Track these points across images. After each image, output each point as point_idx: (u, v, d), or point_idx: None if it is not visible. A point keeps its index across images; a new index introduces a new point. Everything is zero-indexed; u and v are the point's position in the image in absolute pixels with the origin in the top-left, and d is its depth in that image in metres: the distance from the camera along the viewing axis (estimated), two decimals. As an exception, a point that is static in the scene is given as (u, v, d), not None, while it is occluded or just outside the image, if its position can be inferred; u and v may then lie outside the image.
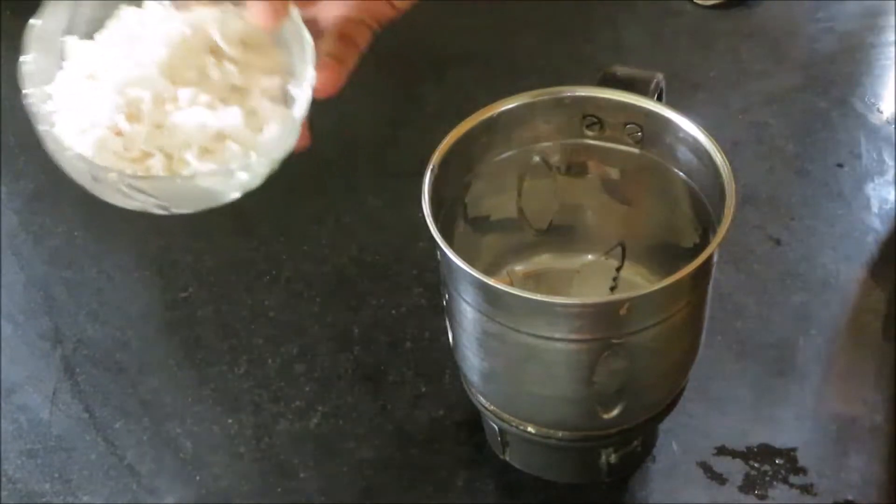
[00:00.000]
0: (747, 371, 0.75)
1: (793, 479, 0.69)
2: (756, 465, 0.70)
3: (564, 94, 0.66)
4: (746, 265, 0.81)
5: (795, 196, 0.87)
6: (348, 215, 0.87)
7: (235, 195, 0.53)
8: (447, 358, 0.73)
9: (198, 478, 0.72)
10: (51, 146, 0.53)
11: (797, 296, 0.79)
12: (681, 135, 0.64)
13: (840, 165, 0.89)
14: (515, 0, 1.04)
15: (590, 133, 0.67)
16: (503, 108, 0.65)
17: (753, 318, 0.78)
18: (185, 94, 0.53)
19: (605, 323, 0.58)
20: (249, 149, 0.53)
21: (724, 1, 1.02)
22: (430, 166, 0.62)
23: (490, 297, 0.58)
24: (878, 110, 0.92)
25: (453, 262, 0.58)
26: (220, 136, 0.53)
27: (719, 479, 0.70)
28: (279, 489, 0.71)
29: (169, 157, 0.52)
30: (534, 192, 0.70)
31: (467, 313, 0.61)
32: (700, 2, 1.03)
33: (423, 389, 0.75)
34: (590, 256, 0.73)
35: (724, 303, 0.77)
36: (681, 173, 0.65)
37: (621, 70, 0.67)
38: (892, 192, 0.85)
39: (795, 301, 0.79)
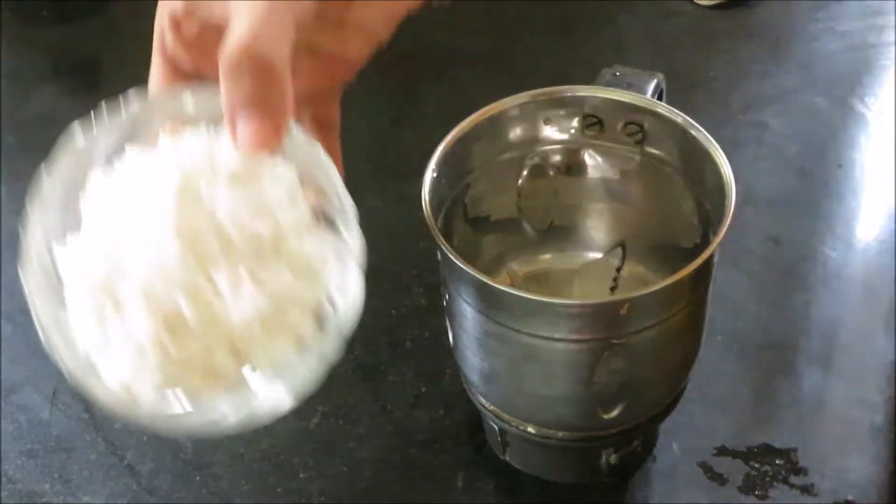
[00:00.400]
0: (747, 371, 0.75)
1: (793, 479, 0.69)
2: (756, 465, 0.70)
3: (564, 94, 0.66)
4: (746, 265, 0.81)
5: (795, 196, 0.87)
6: (348, 215, 0.87)
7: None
8: (447, 358, 0.73)
9: (198, 478, 0.72)
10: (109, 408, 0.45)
11: (797, 295, 0.79)
12: (681, 135, 0.64)
13: (839, 166, 0.89)
14: (515, 0, 1.04)
15: (590, 133, 0.67)
16: (503, 108, 0.65)
17: (753, 318, 0.78)
18: (222, 278, 0.44)
19: (605, 323, 0.58)
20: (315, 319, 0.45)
21: (724, 1, 1.02)
22: (430, 166, 0.62)
23: (490, 298, 0.58)
24: (879, 110, 0.92)
25: (453, 262, 0.58)
26: (278, 310, 0.45)
27: (719, 479, 0.70)
28: (279, 489, 0.71)
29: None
30: (534, 192, 0.69)
31: (467, 313, 0.61)
32: (700, 2, 1.03)
33: (423, 389, 0.75)
34: (590, 256, 0.73)
35: (724, 303, 0.77)
36: (681, 173, 0.65)
37: (621, 70, 0.67)
38: (892, 192, 0.85)
39: (795, 301, 0.79)
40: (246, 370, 0.45)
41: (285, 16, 0.44)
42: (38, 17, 1.09)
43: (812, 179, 0.88)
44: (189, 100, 0.47)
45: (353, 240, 0.46)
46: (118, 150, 0.48)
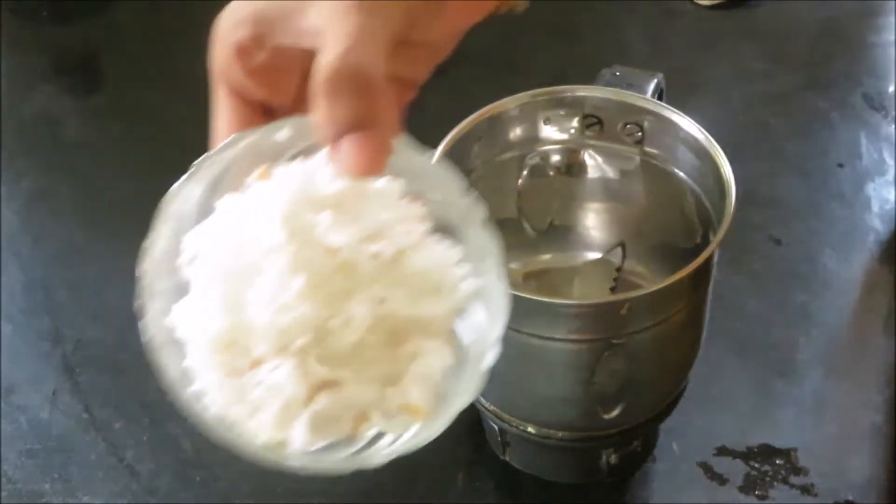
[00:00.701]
0: (747, 371, 0.75)
1: (793, 479, 0.69)
2: (756, 465, 0.70)
3: (564, 94, 0.66)
4: (746, 265, 0.81)
5: (795, 196, 0.87)
6: (348, 215, 0.87)
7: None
8: (447, 358, 0.73)
9: (198, 478, 0.72)
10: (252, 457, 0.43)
11: (797, 296, 0.79)
12: (681, 135, 0.64)
13: (840, 165, 0.89)
14: (515, 0, 1.04)
15: (590, 133, 0.67)
16: (503, 108, 0.65)
17: (753, 318, 0.78)
18: (360, 311, 0.42)
19: (605, 323, 0.58)
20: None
21: (724, 1, 1.02)
22: (430, 166, 0.62)
23: (490, 298, 0.58)
24: (879, 110, 0.92)
25: (453, 262, 0.58)
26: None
27: (719, 479, 0.70)
28: (279, 489, 0.71)
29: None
30: (534, 192, 0.69)
31: (467, 313, 0.61)
32: (700, 2, 1.03)
33: (423, 389, 0.75)
34: (590, 256, 0.73)
35: (724, 303, 0.77)
36: (681, 173, 0.65)
37: (621, 70, 0.67)
38: (892, 192, 0.85)
39: (795, 301, 0.79)
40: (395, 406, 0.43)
41: (379, 32, 0.42)
42: (38, 17, 1.09)
43: (812, 179, 0.88)
44: (284, 133, 0.45)
45: (483, 240, 0.44)
46: (209, 203, 0.46)
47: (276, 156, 0.45)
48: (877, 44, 0.99)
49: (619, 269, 0.71)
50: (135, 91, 1.00)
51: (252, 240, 0.43)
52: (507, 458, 0.71)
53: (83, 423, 0.75)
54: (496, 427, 0.68)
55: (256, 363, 0.42)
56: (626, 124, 0.66)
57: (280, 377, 0.42)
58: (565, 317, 0.58)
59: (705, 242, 0.62)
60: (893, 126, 0.91)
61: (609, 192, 0.70)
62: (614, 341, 0.58)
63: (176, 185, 0.46)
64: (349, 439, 0.43)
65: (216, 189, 0.45)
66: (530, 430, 0.65)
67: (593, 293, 0.71)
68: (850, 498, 0.68)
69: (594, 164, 0.68)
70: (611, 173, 0.69)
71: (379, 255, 0.42)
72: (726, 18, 1.02)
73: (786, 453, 0.70)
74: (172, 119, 0.96)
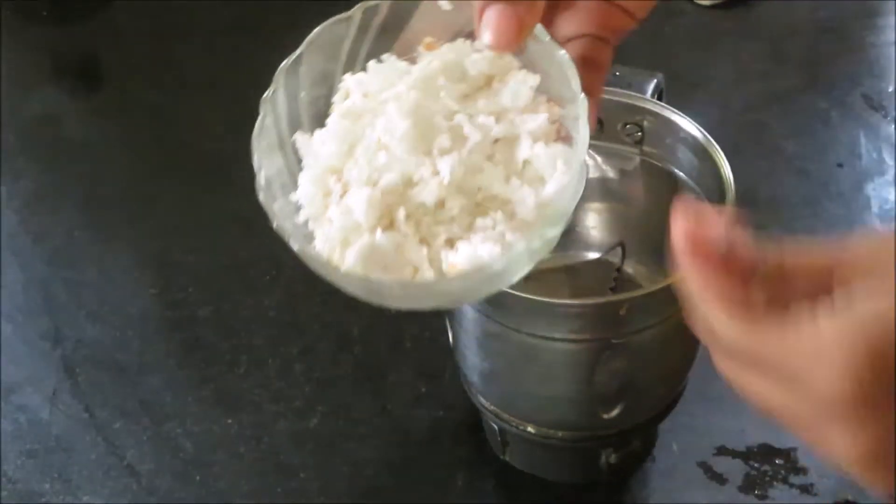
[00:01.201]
0: (747, 371, 0.75)
1: (793, 479, 0.69)
2: (756, 465, 0.70)
3: (564, 94, 0.66)
4: (746, 265, 0.81)
5: (795, 196, 0.87)
6: (348, 215, 0.87)
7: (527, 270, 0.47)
8: (447, 358, 0.73)
9: (198, 478, 0.72)
10: (313, 266, 0.47)
11: (797, 296, 0.79)
12: (681, 135, 0.64)
13: (840, 165, 0.89)
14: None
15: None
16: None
17: (753, 318, 0.78)
18: (445, 164, 0.46)
19: (605, 323, 0.58)
20: (537, 209, 0.46)
21: (725, 1, 1.02)
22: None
23: (490, 298, 0.58)
24: (879, 110, 0.92)
25: (453, 262, 0.58)
26: (490, 203, 0.47)
27: (719, 479, 0.70)
28: (279, 489, 0.71)
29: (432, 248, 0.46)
30: (534, 192, 0.69)
31: (467, 313, 0.61)
32: (700, 2, 1.03)
33: (423, 389, 0.75)
34: (590, 256, 0.73)
35: (724, 303, 0.77)
36: (681, 173, 0.65)
37: (621, 70, 0.67)
38: (892, 192, 0.85)
39: (795, 301, 0.79)
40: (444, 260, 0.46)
41: None
42: (38, 17, 1.09)
43: (812, 179, 0.88)
44: (446, 4, 0.48)
45: (580, 152, 0.46)
46: (372, 55, 0.49)
47: (444, 32, 0.49)
48: (877, 44, 0.99)
49: (619, 269, 0.71)
50: (135, 91, 1.00)
51: (388, 89, 0.47)
52: (507, 458, 0.71)
53: (83, 423, 0.75)
54: (496, 427, 0.68)
55: (347, 191, 0.47)
56: (625, 124, 0.66)
57: (353, 202, 0.46)
58: (565, 317, 0.58)
59: (705, 242, 0.62)
60: (893, 126, 0.91)
61: (609, 192, 0.70)
62: (614, 341, 0.58)
63: (331, 20, 0.49)
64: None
65: (386, 45, 0.49)
66: (530, 430, 0.65)
67: (593, 293, 0.71)
68: (850, 498, 0.68)
69: (594, 163, 0.68)
70: (610, 173, 0.69)
71: (489, 131, 0.46)
72: (726, 18, 1.02)
73: (786, 453, 0.71)
74: (172, 119, 0.96)
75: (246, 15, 1.06)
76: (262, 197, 0.48)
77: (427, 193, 0.46)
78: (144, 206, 0.89)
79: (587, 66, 0.49)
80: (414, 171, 0.46)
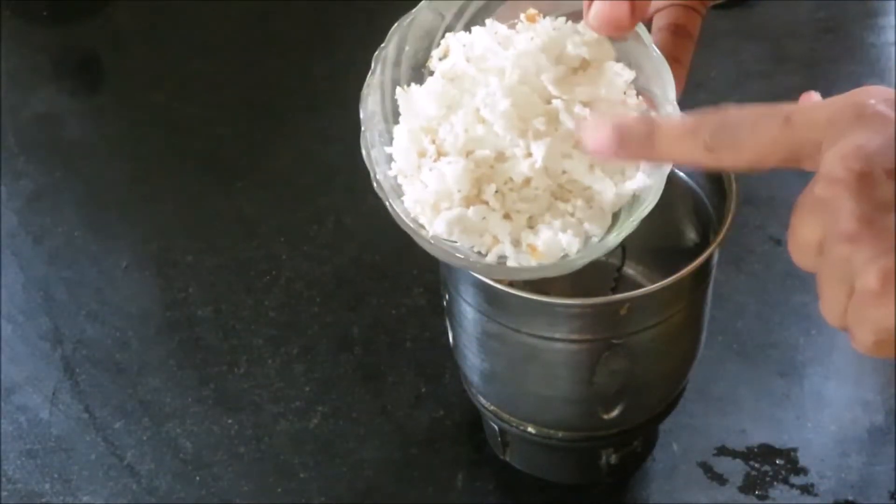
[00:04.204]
0: (747, 371, 0.75)
1: (793, 479, 0.69)
2: (756, 465, 0.70)
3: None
4: (746, 265, 0.81)
5: (795, 196, 0.86)
6: (348, 215, 0.87)
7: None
8: (447, 358, 0.73)
9: (198, 478, 0.72)
10: (400, 223, 0.50)
11: (797, 296, 0.79)
12: (681, 135, 0.63)
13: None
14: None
15: (590, 133, 0.67)
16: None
17: (753, 318, 0.78)
18: (539, 148, 0.48)
19: (605, 323, 0.58)
20: (616, 200, 0.49)
21: (725, 1, 1.02)
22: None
23: (490, 298, 0.58)
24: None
25: (453, 262, 0.58)
26: (571, 190, 0.49)
27: (719, 479, 0.70)
28: (279, 489, 0.71)
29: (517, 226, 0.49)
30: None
31: (467, 313, 0.61)
32: (700, 2, 1.03)
33: (423, 389, 0.75)
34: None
35: (724, 303, 0.77)
36: (681, 173, 0.65)
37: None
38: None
39: (795, 301, 0.79)
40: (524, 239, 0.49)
41: None
42: (38, 17, 1.09)
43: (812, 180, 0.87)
44: None
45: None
46: (475, 20, 0.52)
47: (547, 6, 0.51)
48: (877, 44, 0.99)
49: (619, 269, 0.71)
50: (135, 91, 1.00)
51: (488, 60, 0.49)
52: (507, 458, 0.71)
53: (83, 423, 0.75)
54: (496, 427, 0.68)
55: (441, 155, 0.49)
56: (626, 124, 0.65)
57: (449, 171, 0.48)
58: (565, 317, 0.58)
59: (705, 242, 0.62)
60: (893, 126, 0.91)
61: (609, 192, 0.69)
62: (614, 341, 0.58)
63: None
64: (479, 253, 0.50)
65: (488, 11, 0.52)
66: (530, 430, 0.65)
67: (593, 293, 0.71)
68: (850, 498, 0.68)
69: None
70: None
71: (583, 121, 0.48)
72: (726, 18, 1.02)
73: (786, 453, 0.71)
74: (172, 119, 0.96)
75: (246, 15, 1.06)
76: (363, 151, 0.50)
77: (517, 171, 0.48)
78: (144, 206, 0.89)
79: (678, 34, 0.52)
80: (508, 149, 0.48)
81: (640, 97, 0.50)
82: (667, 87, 0.49)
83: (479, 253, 0.50)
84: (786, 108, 0.41)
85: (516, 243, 0.49)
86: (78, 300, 0.83)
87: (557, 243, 0.49)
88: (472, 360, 0.64)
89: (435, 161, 0.49)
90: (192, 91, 0.99)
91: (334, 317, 0.80)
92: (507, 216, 0.49)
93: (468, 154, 0.49)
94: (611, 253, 0.71)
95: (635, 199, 0.50)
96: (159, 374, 0.78)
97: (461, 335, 0.63)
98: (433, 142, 0.49)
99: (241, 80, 0.99)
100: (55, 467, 0.73)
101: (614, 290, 0.70)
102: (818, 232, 0.40)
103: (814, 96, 0.44)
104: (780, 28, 1.02)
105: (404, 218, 0.50)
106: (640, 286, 0.69)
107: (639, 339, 0.59)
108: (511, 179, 0.49)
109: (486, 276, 0.55)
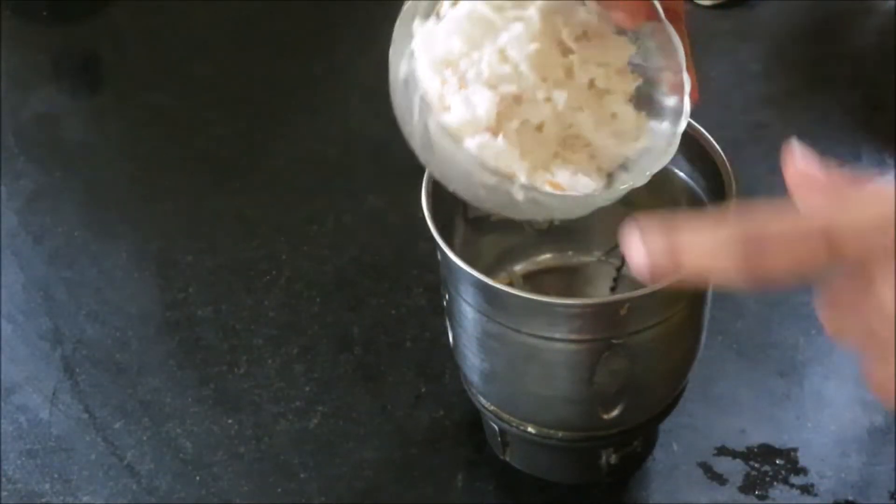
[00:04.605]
0: (747, 371, 0.75)
1: (793, 479, 0.69)
2: (756, 465, 0.70)
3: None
4: (746, 265, 0.81)
5: (795, 196, 0.86)
6: (348, 215, 0.87)
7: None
8: (447, 358, 0.73)
9: (198, 478, 0.72)
10: (438, 138, 0.51)
11: (797, 296, 0.79)
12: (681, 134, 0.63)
13: (840, 165, 0.88)
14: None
15: (590, 133, 0.67)
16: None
17: (753, 318, 0.78)
18: (560, 97, 0.52)
19: (605, 323, 0.58)
20: (615, 158, 0.53)
21: (725, 1, 1.02)
22: (431, 166, 0.62)
23: (490, 298, 0.58)
24: (879, 110, 0.92)
25: (453, 262, 0.58)
26: (583, 143, 0.53)
27: (719, 479, 0.70)
28: (279, 489, 0.71)
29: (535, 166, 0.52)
30: (534, 192, 0.69)
31: (467, 313, 0.61)
32: (700, 2, 1.03)
33: (423, 389, 0.75)
34: (590, 256, 0.73)
35: (724, 303, 0.77)
36: (681, 173, 0.65)
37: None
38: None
39: (795, 301, 0.79)
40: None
41: None
42: (38, 17, 1.09)
43: (812, 179, 0.87)
44: None
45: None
46: None
47: None
48: (876, 45, 0.99)
49: (619, 269, 0.71)
50: (135, 91, 1.00)
51: (512, 9, 0.52)
52: (507, 458, 0.71)
53: (83, 423, 0.75)
54: (496, 427, 0.68)
55: (464, 86, 0.51)
56: (626, 124, 0.66)
57: (476, 98, 0.50)
58: (565, 317, 0.58)
59: (705, 242, 0.62)
60: (893, 126, 0.91)
61: (609, 192, 0.69)
62: (614, 341, 0.58)
63: None
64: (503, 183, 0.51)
65: None
66: (530, 430, 0.65)
67: (593, 293, 0.71)
68: (850, 498, 0.68)
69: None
70: (611, 173, 0.69)
71: (594, 81, 0.53)
72: (726, 18, 1.02)
73: (786, 453, 0.71)
74: (172, 119, 0.96)
75: (246, 15, 1.06)
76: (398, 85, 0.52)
77: (535, 113, 0.51)
78: (144, 206, 0.89)
79: (667, 16, 0.55)
80: (529, 90, 0.51)
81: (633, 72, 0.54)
82: (681, 62, 0.54)
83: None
84: (819, 219, 0.39)
85: (532, 179, 0.51)
86: (78, 300, 0.83)
87: (577, 181, 0.51)
88: (472, 360, 0.64)
89: (459, 89, 0.51)
90: (192, 91, 0.99)
91: (334, 317, 0.80)
92: (522, 155, 0.51)
93: (493, 88, 0.51)
94: (611, 253, 0.72)
95: (647, 151, 0.53)
96: (159, 374, 0.78)
97: (461, 335, 0.63)
98: (454, 73, 0.51)
99: (241, 80, 0.99)
100: (55, 467, 0.73)
101: (614, 290, 0.70)
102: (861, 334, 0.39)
103: (797, 150, 0.43)
104: (780, 28, 1.02)
105: (448, 129, 0.50)
106: (640, 286, 0.69)
107: (639, 339, 0.59)
108: (528, 122, 0.51)
109: (511, 213, 0.54)
